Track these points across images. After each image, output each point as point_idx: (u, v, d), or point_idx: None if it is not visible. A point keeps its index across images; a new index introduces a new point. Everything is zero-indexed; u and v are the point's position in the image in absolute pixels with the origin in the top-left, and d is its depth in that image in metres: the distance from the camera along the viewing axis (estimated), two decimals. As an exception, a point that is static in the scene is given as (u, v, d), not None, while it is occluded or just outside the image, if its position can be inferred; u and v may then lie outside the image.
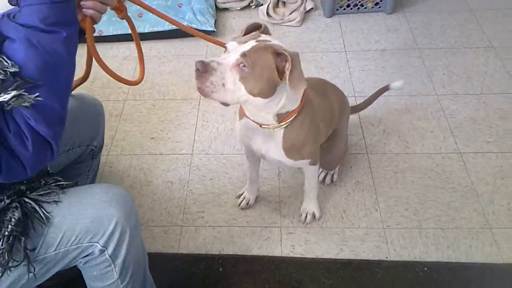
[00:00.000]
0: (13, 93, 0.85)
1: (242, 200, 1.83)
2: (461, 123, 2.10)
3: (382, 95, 2.23)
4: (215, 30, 2.63)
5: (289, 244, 1.70)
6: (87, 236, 1.09)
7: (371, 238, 1.70)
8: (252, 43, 1.16)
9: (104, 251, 1.12)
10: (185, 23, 2.59)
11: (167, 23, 2.59)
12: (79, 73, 1.14)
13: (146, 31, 2.57)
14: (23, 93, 0.87)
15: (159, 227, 1.77)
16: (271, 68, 1.15)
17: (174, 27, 2.58)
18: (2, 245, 1.01)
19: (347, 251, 1.67)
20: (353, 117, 2.00)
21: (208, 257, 1.66)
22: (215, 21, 2.70)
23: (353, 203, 1.82)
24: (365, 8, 2.79)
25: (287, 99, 1.26)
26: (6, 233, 1.01)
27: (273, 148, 1.40)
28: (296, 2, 2.79)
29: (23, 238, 1.03)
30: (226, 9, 2.87)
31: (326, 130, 1.58)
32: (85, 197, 1.13)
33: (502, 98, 2.20)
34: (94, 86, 2.36)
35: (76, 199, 1.12)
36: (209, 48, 2.59)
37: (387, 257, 1.64)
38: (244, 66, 1.12)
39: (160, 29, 2.60)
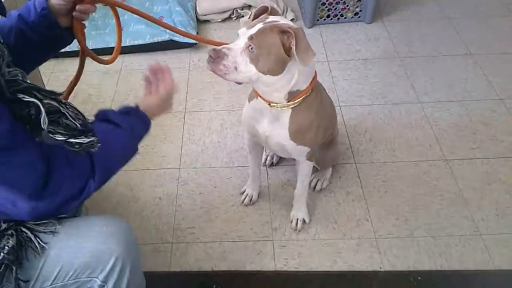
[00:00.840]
0: (93, 138, 0.97)
1: (245, 197, 1.84)
2: (446, 130, 2.13)
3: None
4: (197, 42, 2.61)
5: (282, 257, 1.68)
6: (86, 271, 1.05)
7: (364, 248, 1.70)
8: (259, 26, 1.23)
9: (103, 286, 1.08)
10: (166, 36, 2.56)
11: (148, 36, 2.60)
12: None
13: (127, 44, 2.53)
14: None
15: (148, 245, 1.73)
16: (278, 46, 1.22)
17: (155, 40, 2.59)
18: None
19: (341, 262, 1.66)
20: (339, 127, 2.00)
21: (201, 275, 1.63)
22: (197, 33, 2.68)
23: (344, 213, 1.81)
24: (345, 18, 2.82)
25: (300, 76, 1.32)
26: None
27: (278, 129, 1.45)
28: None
29: (14, 268, 0.99)
30: (207, 21, 2.86)
31: (326, 128, 1.59)
32: (84, 230, 1.08)
33: (484, 104, 2.25)
34: (75, 101, 2.30)
35: (75, 231, 1.07)
36: (192, 59, 2.57)
37: (380, 268, 1.64)
38: (252, 48, 1.22)
39: (141, 42, 2.57)
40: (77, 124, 0.94)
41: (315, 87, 1.40)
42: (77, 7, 1.15)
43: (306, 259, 1.67)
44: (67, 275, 1.04)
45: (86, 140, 0.95)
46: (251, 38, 1.21)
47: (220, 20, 2.85)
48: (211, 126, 2.19)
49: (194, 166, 2.01)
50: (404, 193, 1.87)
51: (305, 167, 1.63)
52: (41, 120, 0.89)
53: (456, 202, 1.83)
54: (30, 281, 1.02)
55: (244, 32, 1.25)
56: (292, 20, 2.82)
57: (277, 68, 1.26)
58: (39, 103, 0.89)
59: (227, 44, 1.27)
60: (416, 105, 2.26)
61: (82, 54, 1.29)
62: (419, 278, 1.60)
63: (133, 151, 1.12)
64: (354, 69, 2.50)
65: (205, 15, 2.83)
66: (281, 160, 2.01)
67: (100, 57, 1.36)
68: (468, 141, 2.07)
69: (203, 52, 2.64)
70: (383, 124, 2.17)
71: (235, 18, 2.87)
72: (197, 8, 2.81)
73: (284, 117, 1.42)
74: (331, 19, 2.81)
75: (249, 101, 1.52)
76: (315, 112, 1.43)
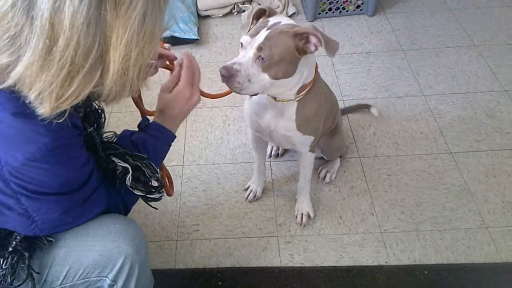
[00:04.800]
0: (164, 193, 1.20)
1: (250, 193, 1.83)
2: (450, 122, 2.11)
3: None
4: (199, 38, 2.59)
5: (288, 253, 1.67)
6: (95, 270, 1.04)
7: (370, 243, 1.69)
8: (264, 33, 1.20)
9: (113, 285, 1.06)
10: (167, 32, 2.54)
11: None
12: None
13: (128, 41, 2.52)
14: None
15: (153, 242, 1.73)
16: (291, 50, 1.21)
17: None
18: (5, 265, 0.97)
19: (347, 257, 1.65)
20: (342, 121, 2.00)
21: (206, 272, 1.63)
22: (198, 29, 2.66)
23: (349, 208, 1.80)
24: (347, 11, 2.80)
25: (308, 70, 1.33)
26: (10, 249, 0.97)
27: (283, 122, 1.45)
28: (278, 7, 2.78)
29: (26, 254, 0.98)
30: (208, 16, 2.84)
31: (327, 116, 1.59)
32: (93, 228, 1.06)
33: (488, 96, 2.23)
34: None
35: (83, 230, 1.05)
36: (194, 55, 2.55)
37: (387, 262, 1.63)
38: (263, 58, 1.19)
39: (142, 38, 2.55)
40: (153, 181, 1.12)
41: (318, 75, 1.41)
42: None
43: (312, 255, 1.67)
44: (76, 275, 1.03)
45: (158, 196, 1.13)
46: (260, 48, 1.18)
47: (221, 15, 2.83)
48: (214, 122, 2.18)
49: (197, 163, 2.01)
50: (409, 187, 1.86)
51: (307, 159, 1.63)
52: (127, 179, 1.05)
53: (461, 195, 1.82)
54: (40, 273, 1.01)
55: (248, 41, 1.22)
56: (293, 14, 2.81)
57: (290, 71, 1.26)
58: (129, 167, 1.04)
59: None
60: (420, 98, 2.24)
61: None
62: (426, 272, 1.59)
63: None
64: (357, 62, 2.48)
65: (206, 10, 2.81)
66: (285, 152, 2.00)
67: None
68: (473, 134, 2.06)
69: (205, 48, 2.63)
70: (387, 117, 2.16)
71: (236, 13, 2.86)
72: (198, 3, 2.79)
73: (290, 110, 1.41)
74: (333, 12, 2.79)
75: (250, 97, 1.50)
76: (319, 100, 1.44)
